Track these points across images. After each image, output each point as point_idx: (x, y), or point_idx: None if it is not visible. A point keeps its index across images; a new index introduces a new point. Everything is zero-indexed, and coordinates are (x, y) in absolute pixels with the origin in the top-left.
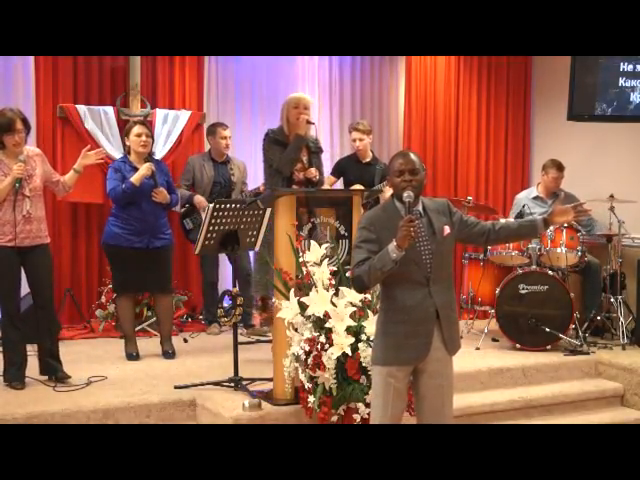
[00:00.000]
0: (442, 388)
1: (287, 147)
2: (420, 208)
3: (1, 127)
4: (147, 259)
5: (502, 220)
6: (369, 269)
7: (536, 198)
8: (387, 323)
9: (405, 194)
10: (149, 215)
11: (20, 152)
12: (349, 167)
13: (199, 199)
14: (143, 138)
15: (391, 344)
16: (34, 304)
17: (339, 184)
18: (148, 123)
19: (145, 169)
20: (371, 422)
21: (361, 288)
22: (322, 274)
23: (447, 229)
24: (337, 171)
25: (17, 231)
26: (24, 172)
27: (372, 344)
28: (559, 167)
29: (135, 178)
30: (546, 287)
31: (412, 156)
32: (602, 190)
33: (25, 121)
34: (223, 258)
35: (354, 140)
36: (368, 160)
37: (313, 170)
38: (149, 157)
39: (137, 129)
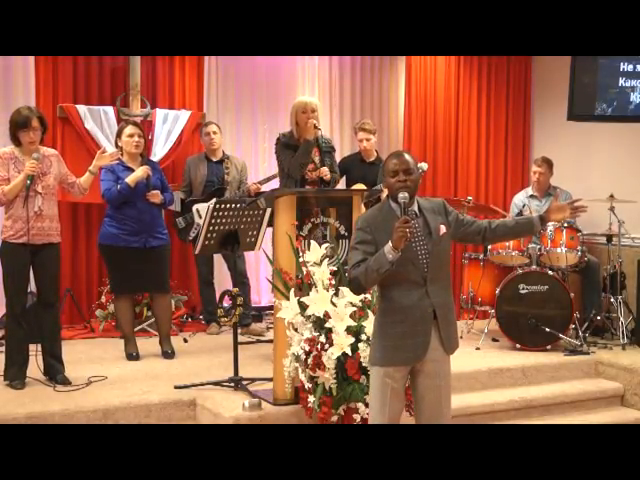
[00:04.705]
0: (440, 388)
1: (297, 151)
2: (416, 208)
3: (17, 124)
4: (144, 259)
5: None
6: (366, 270)
7: (531, 197)
8: (385, 323)
9: (400, 195)
10: (145, 214)
11: (35, 150)
12: (353, 166)
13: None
14: (135, 139)
15: (389, 344)
16: (39, 303)
17: (342, 183)
18: (142, 123)
19: (142, 172)
20: (369, 422)
21: (358, 290)
22: (322, 274)
23: (443, 229)
24: (340, 170)
25: (29, 227)
26: (37, 169)
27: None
28: (538, 162)
29: (131, 179)
30: (546, 287)
31: (406, 156)
32: (602, 190)
33: (42, 119)
34: (218, 257)
35: (361, 140)
36: (372, 160)
37: (324, 169)
38: (143, 158)
39: (129, 130)
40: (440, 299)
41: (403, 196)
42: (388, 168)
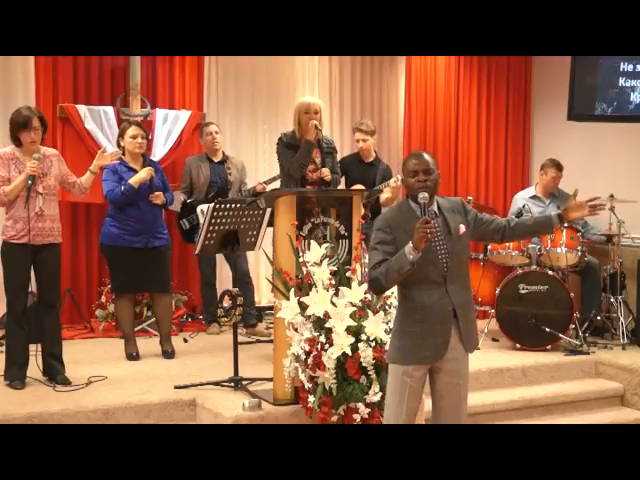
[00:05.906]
0: (459, 387)
1: (298, 151)
2: (435, 208)
3: (17, 124)
4: (146, 259)
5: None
6: (386, 271)
7: (534, 197)
8: (404, 323)
9: (420, 195)
10: (147, 215)
11: (36, 150)
12: (352, 166)
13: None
14: (139, 140)
15: (409, 343)
16: (40, 303)
17: (341, 183)
18: (144, 123)
19: (146, 173)
20: (384, 421)
21: (378, 290)
22: (322, 274)
23: (462, 228)
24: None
25: (30, 227)
26: (37, 170)
27: (388, 343)
28: (558, 167)
29: (134, 180)
30: (546, 287)
31: (426, 156)
32: (602, 190)
33: (42, 119)
34: (220, 257)
35: (357, 141)
36: (371, 160)
37: (325, 170)
38: (145, 159)
39: (132, 130)
40: (460, 298)
41: (423, 196)
42: (408, 168)
